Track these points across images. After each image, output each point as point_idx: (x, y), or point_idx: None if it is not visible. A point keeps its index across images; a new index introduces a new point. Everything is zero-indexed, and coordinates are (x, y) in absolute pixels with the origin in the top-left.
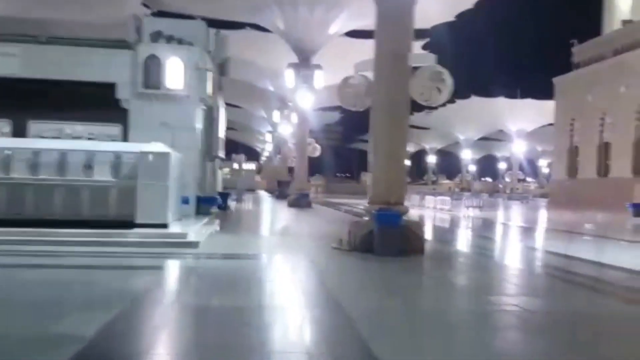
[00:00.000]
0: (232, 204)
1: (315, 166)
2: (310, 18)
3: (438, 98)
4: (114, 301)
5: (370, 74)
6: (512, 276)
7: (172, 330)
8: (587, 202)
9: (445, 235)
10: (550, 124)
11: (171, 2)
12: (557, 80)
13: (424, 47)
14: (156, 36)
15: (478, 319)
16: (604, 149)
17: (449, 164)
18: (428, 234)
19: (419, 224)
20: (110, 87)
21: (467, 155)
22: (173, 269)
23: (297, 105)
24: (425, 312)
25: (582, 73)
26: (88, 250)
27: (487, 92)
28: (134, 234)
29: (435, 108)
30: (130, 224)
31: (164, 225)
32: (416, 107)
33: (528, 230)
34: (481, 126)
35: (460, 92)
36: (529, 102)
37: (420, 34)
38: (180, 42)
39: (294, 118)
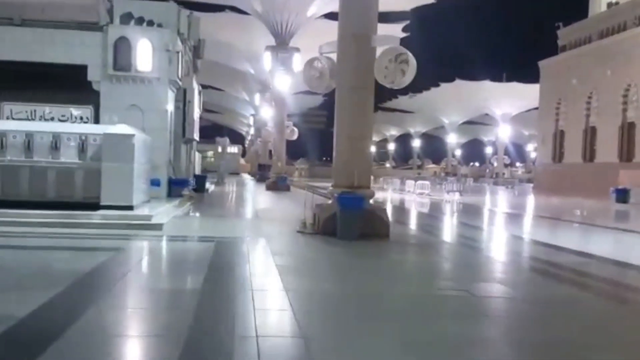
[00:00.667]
0: (210, 186)
1: (299, 150)
2: (287, 0)
3: (402, 80)
4: (57, 282)
5: (335, 56)
6: (470, 261)
7: (101, 310)
8: (573, 187)
9: (416, 220)
10: (536, 108)
11: None
12: (542, 64)
13: (404, 29)
14: (127, 18)
15: (414, 304)
16: (590, 133)
17: (435, 148)
18: (400, 219)
19: (384, 209)
20: (81, 69)
21: (453, 140)
22: (128, 251)
23: (275, 89)
24: (361, 295)
25: (568, 56)
26: (50, 232)
27: (471, 75)
28: (97, 216)
29: (408, 92)
30: (96, 206)
31: (130, 207)
32: (400, 90)
33: (501, 215)
34: (466, 110)
35: (445, 76)
36: (514, 85)
37: (399, 16)
38: (150, 23)
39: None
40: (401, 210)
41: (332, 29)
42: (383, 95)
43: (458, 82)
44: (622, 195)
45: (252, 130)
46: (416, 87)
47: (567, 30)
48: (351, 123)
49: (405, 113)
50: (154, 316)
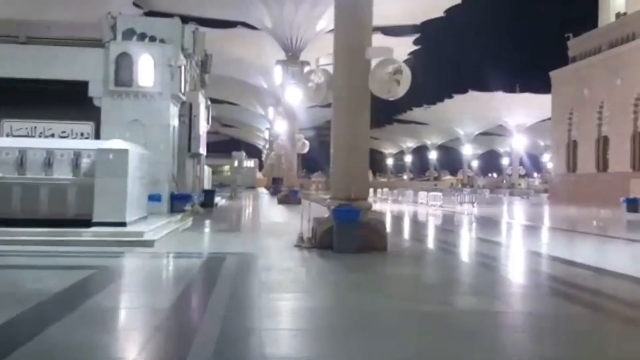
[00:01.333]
0: (221, 201)
1: (316, 164)
2: (296, 15)
3: (397, 90)
4: (21, 302)
5: (332, 68)
6: (468, 275)
7: (56, 331)
8: (587, 197)
9: (419, 232)
10: (550, 119)
11: (162, 3)
12: (553, 74)
13: (415, 42)
14: (129, 34)
15: (400, 320)
16: (602, 143)
17: (452, 160)
18: (402, 231)
19: (382, 221)
20: (82, 85)
21: (468, 151)
22: (109, 269)
23: (285, 102)
24: (351, 311)
25: (578, 66)
26: (39, 250)
27: (484, 86)
28: (88, 233)
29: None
30: (88, 223)
31: (123, 224)
32: (415, 102)
33: (510, 227)
34: (480, 121)
35: (457, 87)
36: (527, 96)
37: (410, 29)
38: (153, 39)
39: None
40: (408, 222)
41: None
42: (398, 107)
43: (471, 94)
44: (633, 205)
45: (267, 144)
46: (430, 98)
47: (576, 40)
48: (348, 134)
49: (420, 125)
50: (105, 338)
